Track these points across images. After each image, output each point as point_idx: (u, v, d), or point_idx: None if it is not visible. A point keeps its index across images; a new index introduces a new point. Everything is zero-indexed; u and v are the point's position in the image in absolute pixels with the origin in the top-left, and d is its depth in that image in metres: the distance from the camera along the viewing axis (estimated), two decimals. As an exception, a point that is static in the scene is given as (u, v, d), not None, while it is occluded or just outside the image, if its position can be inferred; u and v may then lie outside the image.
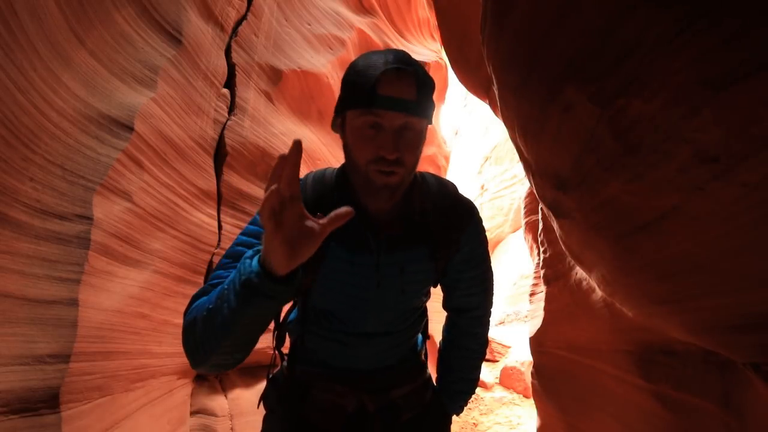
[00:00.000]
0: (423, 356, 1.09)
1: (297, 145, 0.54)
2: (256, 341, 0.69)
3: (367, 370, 0.96)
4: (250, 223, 0.82)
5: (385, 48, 4.23)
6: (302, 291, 0.90)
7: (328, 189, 0.84)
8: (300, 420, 0.94)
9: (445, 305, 1.11)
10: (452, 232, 0.87)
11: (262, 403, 1.00)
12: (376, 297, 0.87)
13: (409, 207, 0.84)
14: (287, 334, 1.00)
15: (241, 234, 0.80)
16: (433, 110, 0.78)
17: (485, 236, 0.98)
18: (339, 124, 0.79)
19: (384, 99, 0.69)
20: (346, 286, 0.86)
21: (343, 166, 0.85)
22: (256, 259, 0.59)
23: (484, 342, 1.12)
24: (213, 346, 0.64)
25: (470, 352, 1.11)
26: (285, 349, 1.02)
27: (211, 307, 0.64)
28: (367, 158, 0.73)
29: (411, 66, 0.72)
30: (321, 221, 0.57)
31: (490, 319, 1.12)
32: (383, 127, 0.71)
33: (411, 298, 0.92)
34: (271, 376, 1.02)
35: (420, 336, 1.09)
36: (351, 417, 0.93)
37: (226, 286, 0.63)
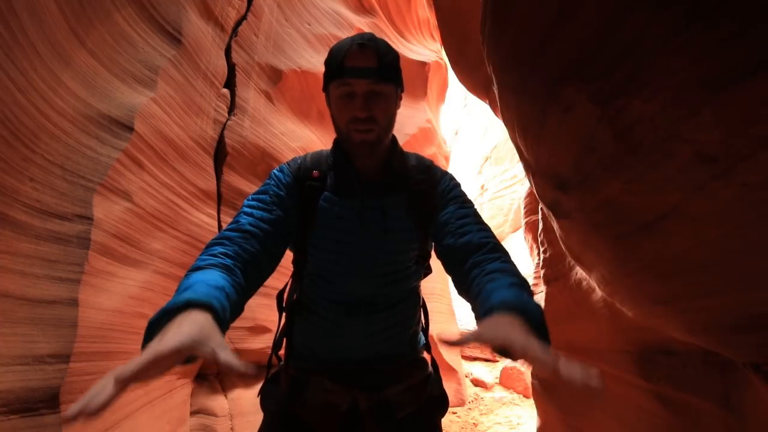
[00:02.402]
0: (424, 354, 1.07)
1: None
2: None
3: (358, 360, 0.95)
4: (264, 184, 0.94)
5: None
6: (301, 254, 0.96)
7: (324, 155, 1.00)
8: (295, 420, 0.94)
9: (449, 263, 0.90)
10: (427, 185, 0.97)
11: (260, 404, 1.00)
12: (361, 240, 0.92)
13: (391, 163, 0.97)
14: (283, 329, 1.00)
15: (248, 199, 0.91)
16: (400, 77, 0.92)
17: (463, 191, 1.00)
18: (327, 100, 0.94)
19: (350, 69, 0.85)
20: (334, 232, 0.93)
21: (335, 139, 0.99)
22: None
23: (514, 264, 0.83)
24: None
25: (500, 271, 0.79)
26: (283, 351, 1.02)
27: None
28: (345, 121, 0.88)
29: (372, 42, 0.87)
30: (217, 357, 0.50)
31: (507, 254, 0.86)
32: (355, 93, 0.86)
33: (395, 246, 0.94)
34: (268, 377, 1.02)
35: (422, 334, 1.08)
36: (345, 416, 0.93)
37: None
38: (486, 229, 0.90)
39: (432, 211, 0.95)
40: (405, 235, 0.95)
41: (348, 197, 0.93)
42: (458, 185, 1.01)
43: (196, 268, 0.74)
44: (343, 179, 0.95)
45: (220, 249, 0.78)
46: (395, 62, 0.90)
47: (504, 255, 0.84)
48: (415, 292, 1.04)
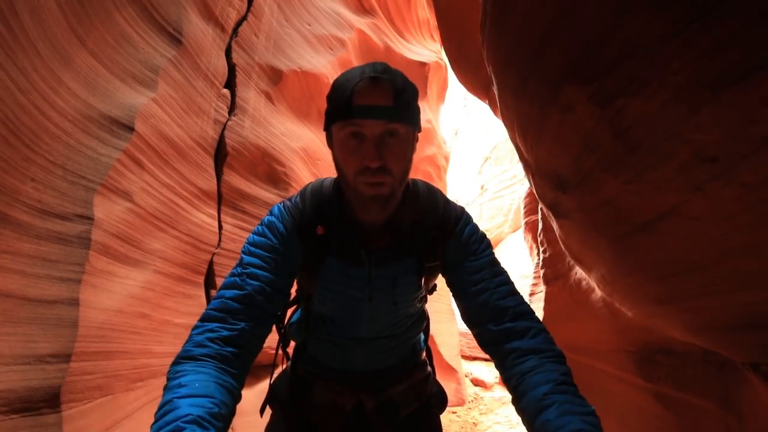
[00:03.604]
0: (424, 355, 1.10)
1: None
2: None
3: (365, 371, 0.98)
4: (255, 233, 0.82)
5: (385, 48, 4.24)
6: (306, 296, 0.92)
7: (326, 200, 0.85)
8: (302, 420, 0.96)
9: (468, 321, 0.86)
10: (438, 244, 0.86)
11: (268, 405, 1.01)
12: (370, 309, 0.88)
13: (400, 219, 0.84)
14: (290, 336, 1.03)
15: (247, 253, 0.79)
16: (418, 116, 0.77)
17: (481, 236, 0.88)
18: (328, 140, 0.81)
19: (361, 108, 0.70)
20: (341, 297, 0.88)
21: (337, 181, 0.86)
22: None
23: (559, 354, 0.75)
24: None
25: (543, 373, 0.71)
26: (289, 349, 1.04)
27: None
28: (353, 170, 0.73)
29: (387, 74, 0.72)
30: None
31: (545, 331, 0.80)
32: (365, 136, 0.71)
33: (404, 308, 0.93)
34: (273, 379, 1.03)
35: (422, 336, 1.10)
36: (350, 415, 0.95)
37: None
38: (504, 282, 0.82)
39: (441, 263, 0.87)
40: (413, 295, 0.91)
41: (354, 265, 0.83)
42: (474, 232, 0.87)
43: (191, 357, 0.68)
44: (348, 243, 0.83)
45: (222, 331, 0.70)
46: (413, 99, 0.75)
47: (530, 321, 0.78)
48: (422, 314, 1.04)
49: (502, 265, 0.87)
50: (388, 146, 0.72)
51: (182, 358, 0.68)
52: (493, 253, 0.87)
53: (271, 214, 0.84)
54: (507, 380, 0.76)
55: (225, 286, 0.76)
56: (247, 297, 0.74)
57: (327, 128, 0.79)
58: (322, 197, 0.85)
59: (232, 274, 0.77)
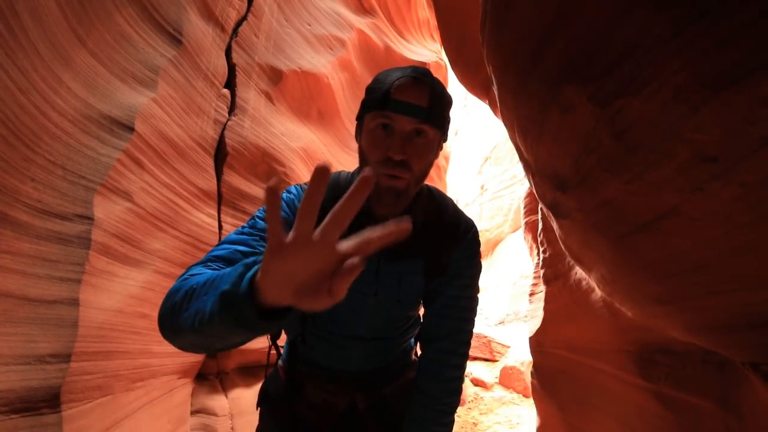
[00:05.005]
0: (414, 355, 1.10)
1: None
2: (221, 350, 0.61)
3: (360, 371, 0.98)
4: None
5: (385, 48, 4.25)
6: None
7: (343, 191, 0.85)
8: (294, 418, 0.96)
9: (418, 333, 1.01)
10: (443, 250, 0.88)
11: (260, 403, 1.01)
12: (374, 304, 0.89)
13: (412, 218, 0.84)
14: (284, 330, 1.02)
15: (263, 218, 0.78)
16: (448, 125, 0.81)
17: (478, 262, 0.93)
18: (358, 130, 0.83)
19: (396, 102, 0.73)
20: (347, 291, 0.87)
21: (357, 170, 0.88)
22: (248, 276, 0.49)
23: (450, 390, 0.92)
24: (180, 331, 0.58)
25: (428, 398, 0.92)
26: (281, 343, 1.05)
27: (195, 289, 0.57)
28: (375, 158, 0.76)
29: (427, 78, 0.76)
30: (335, 284, 0.45)
31: (463, 368, 0.95)
32: (394, 130, 0.75)
33: (407, 308, 0.94)
34: (267, 376, 1.04)
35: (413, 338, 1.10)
36: (343, 415, 0.96)
37: (215, 278, 0.55)
38: (460, 317, 0.92)
39: (444, 271, 0.89)
40: (416, 295, 0.92)
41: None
42: (473, 255, 0.91)
43: (196, 274, 0.65)
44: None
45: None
46: (447, 107, 0.80)
47: (439, 367, 0.92)
48: (417, 318, 1.05)
49: (478, 287, 0.95)
50: (413, 144, 0.75)
51: (187, 276, 0.64)
52: (477, 278, 0.93)
53: (288, 192, 0.85)
54: (420, 354, 0.97)
55: (233, 241, 0.74)
56: (255, 255, 0.72)
57: (360, 118, 0.82)
58: (338, 188, 0.86)
59: (242, 232, 0.76)
